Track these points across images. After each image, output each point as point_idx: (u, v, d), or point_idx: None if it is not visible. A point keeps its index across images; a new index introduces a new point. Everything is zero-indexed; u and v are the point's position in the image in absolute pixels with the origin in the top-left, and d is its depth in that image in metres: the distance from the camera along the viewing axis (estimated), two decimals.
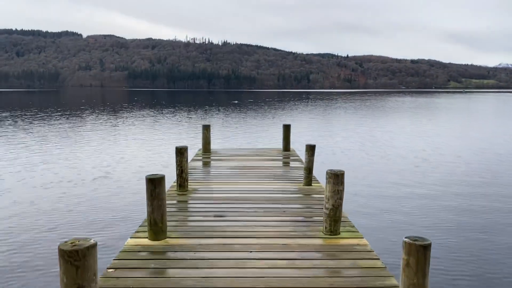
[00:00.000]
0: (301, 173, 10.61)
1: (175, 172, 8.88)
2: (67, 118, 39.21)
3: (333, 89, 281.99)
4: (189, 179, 9.59)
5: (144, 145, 22.46)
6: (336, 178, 6.22)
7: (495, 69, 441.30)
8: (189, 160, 12.30)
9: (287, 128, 14.66)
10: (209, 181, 9.89)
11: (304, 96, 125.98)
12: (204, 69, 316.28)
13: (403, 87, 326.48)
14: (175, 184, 9.08)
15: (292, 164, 12.29)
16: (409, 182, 14.42)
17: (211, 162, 12.40)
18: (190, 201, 8.14)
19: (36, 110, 50.18)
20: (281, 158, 13.32)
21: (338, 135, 27.72)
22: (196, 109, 55.18)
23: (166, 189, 7.98)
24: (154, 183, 5.90)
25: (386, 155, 20.19)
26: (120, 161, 17.78)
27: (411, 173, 16.00)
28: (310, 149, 9.49)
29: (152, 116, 42.77)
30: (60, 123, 34.03)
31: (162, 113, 47.25)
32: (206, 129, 13.89)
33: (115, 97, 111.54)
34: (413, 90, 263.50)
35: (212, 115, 44.39)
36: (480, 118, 46.83)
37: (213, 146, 15.90)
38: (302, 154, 14.70)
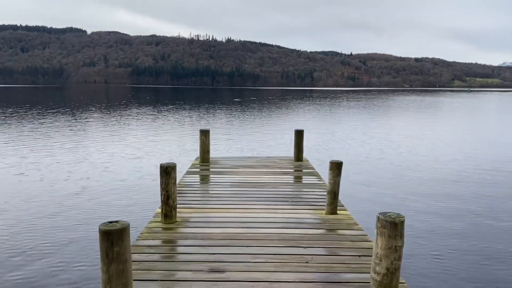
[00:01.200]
0: (319, 193, 8.73)
1: (160, 196, 6.86)
2: (67, 116, 39.49)
3: (336, 87, 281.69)
4: (179, 202, 7.66)
5: (126, 157, 18.19)
6: (394, 228, 4.09)
7: (499, 68, 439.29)
8: (183, 173, 10.68)
9: (299, 135, 12.48)
10: (205, 205, 7.79)
11: (308, 94, 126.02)
12: (208, 66, 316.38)
13: (407, 86, 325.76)
14: (160, 213, 6.98)
15: (307, 179, 10.31)
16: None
17: (210, 176, 10.39)
18: (177, 241, 6.07)
19: (53, 106, 50.54)
20: (293, 170, 11.27)
21: (354, 139, 24.67)
22: (195, 108, 52.57)
23: (147, 222, 6.98)
24: (112, 238, 3.79)
25: (416, 166, 16.93)
26: (103, 169, 15.88)
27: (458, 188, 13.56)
28: (336, 167, 7.30)
29: (147, 115, 39.65)
30: (55, 122, 34.30)
31: (157, 112, 43.74)
32: (205, 135, 11.86)
33: (119, 93, 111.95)
34: (417, 88, 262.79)
35: (212, 115, 40.99)
36: (496, 117, 46.88)
37: (213, 153, 13.87)
38: (316, 164, 13.47)
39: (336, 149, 21.06)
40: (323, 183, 9.58)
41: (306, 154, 13.95)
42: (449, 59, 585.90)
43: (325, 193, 7.93)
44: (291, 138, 22.76)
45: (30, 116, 37.27)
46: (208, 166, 11.53)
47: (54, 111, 44.22)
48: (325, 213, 7.27)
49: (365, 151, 20.51)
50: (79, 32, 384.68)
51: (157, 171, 8.95)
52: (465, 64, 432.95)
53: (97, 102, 65.53)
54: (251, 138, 24.21)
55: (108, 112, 43.78)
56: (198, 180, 9.98)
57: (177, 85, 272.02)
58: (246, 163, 12.12)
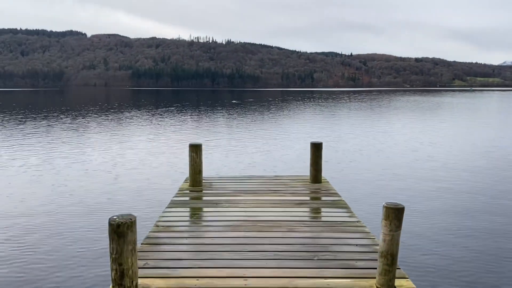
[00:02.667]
0: (358, 241, 5.95)
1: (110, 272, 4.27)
2: (57, 122, 39.21)
3: (337, 87, 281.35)
4: (153, 258, 5.31)
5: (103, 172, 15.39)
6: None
7: (500, 67, 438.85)
8: (166, 204, 8.08)
9: (317, 149, 9.77)
10: (192, 264, 5.13)
11: (308, 95, 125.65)
12: (208, 68, 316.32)
13: (408, 86, 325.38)
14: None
15: (334, 214, 7.32)
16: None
17: (203, 208, 7.78)
18: None
19: (53, 110, 50.28)
20: (311, 198, 8.51)
21: (375, 146, 21.99)
22: (189, 112, 49.35)
23: None
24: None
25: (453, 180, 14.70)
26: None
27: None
28: (395, 215, 4.43)
29: (136, 122, 35.31)
30: (46, 129, 33.99)
31: (148, 118, 39.69)
32: (195, 150, 9.16)
33: (114, 96, 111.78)
34: (418, 89, 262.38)
35: (207, 121, 37.04)
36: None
37: (206, 170, 11.31)
38: (339, 187, 10.44)
39: (358, 162, 17.86)
40: (357, 222, 6.75)
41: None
42: (450, 58, 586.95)
43: (368, 245, 5.80)
44: (300, 149, 20.68)
45: (31, 119, 37.02)
46: (200, 191, 8.89)
47: (51, 116, 43.93)
48: (378, 284, 4.56)
49: (398, 165, 17.29)
50: (79, 35, 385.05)
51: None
52: (465, 63, 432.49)
53: (88, 106, 65.24)
54: (252, 150, 20.62)
55: (89, 121, 43.16)
56: (186, 216, 7.29)
57: (178, 87, 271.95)
58: (249, 186, 9.40)
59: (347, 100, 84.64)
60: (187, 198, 8.43)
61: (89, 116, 42.14)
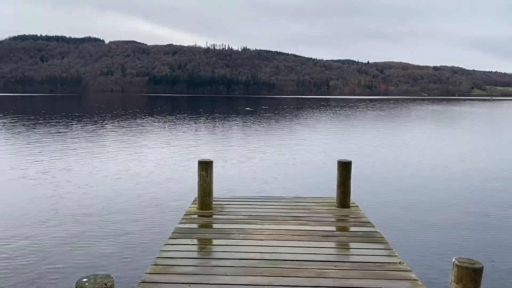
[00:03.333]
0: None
1: None
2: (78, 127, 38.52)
3: (353, 95, 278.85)
4: None
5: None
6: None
7: None
8: (170, 231, 6.99)
9: (345, 169, 8.42)
10: None
11: (323, 102, 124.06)
12: (224, 75, 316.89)
13: (425, 94, 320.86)
14: None
15: (367, 250, 6.08)
16: None
17: (212, 240, 6.58)
18: None
19: (71, 116, 49.84)
20: (340, 228, 7.32)
21: (397, 161, 20.21)
22: (202, 119, 48.06)
23: None
24: None
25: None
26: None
27: None
28: (471, 276, 3.59)
29: (145, 131, 33.60)
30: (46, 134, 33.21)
31: (160, 125, 38.69)
32: (205, 168, 7.95)
33: (130, 103, 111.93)
34: (436, 97, 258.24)
35: (218, 130, 35.51)
36: None
37: (217, 190, 9.62)
38: (371, 214, 8.75)
39: (388, 181, 15.71)
40: (399, 265, 5.48)
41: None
42: (468, 67, 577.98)
43: None
44: (320, 163, 19.16)
45: (41, 125, 36.36)
46: (210, 216, 7.71)
47: (61, 123, 43.38)
48: None
49: (433, 185, 15.11)
50: (97, 41, 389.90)
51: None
52: (484, 72, 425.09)
53: (102, 113, 64.83)
54: (268, 164, 19.03)
55: (100, 129, 42.44)
56: (191, 253, 6.00)
57: (193, 93, 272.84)
58: (266, 209, 8.11)
59: (365, 109, 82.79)
60: (195, 226, 7.22)
61: (101, 123, 41.39)
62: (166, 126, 38.66)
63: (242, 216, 7.66)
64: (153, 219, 10.88)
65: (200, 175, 7.92)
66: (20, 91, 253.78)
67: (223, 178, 15.28)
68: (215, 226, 7.24)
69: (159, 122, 43.65)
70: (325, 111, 71.78)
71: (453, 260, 3.60)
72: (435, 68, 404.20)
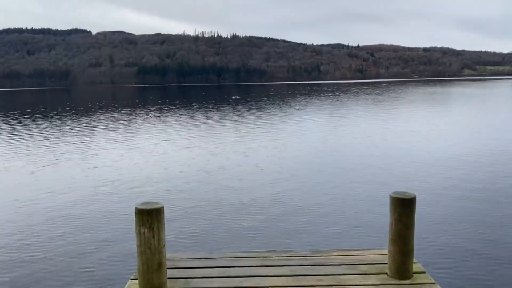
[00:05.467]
0: None
1: None
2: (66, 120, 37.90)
3: (344, 79, 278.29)
4: None
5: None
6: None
7: (510, 55, 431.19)
8: None
9: (404, 206, 4.55)
10: None
11: (315, 88, 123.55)
12: (214, 63, 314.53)
13: (416, 76, 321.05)
14: None
15: None
16: None
17: None
18: None
19: (61, 110, 49.04)
20: None
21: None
22: (186, 110, 45.41)
23: None
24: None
25: None
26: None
27: None
28: None
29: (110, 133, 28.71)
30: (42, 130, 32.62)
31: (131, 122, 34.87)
32: (149, 221, 4.28)
33: (117, 96, 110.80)
34: (427, 79, 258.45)
35: (190, 127, 30.23)
36: None
37: (173, 239, 7.43)
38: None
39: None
40: None
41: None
42: (458, 47, 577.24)
43: None
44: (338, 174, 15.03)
45: (33, 120, 35.74)
46: None
47: (46, 119, 42.67)
48: None
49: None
50: (84, 33, 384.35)
51: None
52: (474, 52, 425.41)
53: (81, 107, 64.06)
54: (252, 169, 15.59)
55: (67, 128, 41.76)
56: None
57: (184, 83, 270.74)
58: (267, 283, 4.57)
59: (361, 94, 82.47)
60: None
61: (85, 119, 40.71)
62: (141, 123, 36.28)
63: None
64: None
65: (140, 234, 4.29)
66: (7, 86, 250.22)
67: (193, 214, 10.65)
68: None
69: (145, 115, 43.10)
70: (317, 97, 71.39)
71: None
72: (425, 49, 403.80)
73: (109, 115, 42.64)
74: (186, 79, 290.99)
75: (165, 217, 4.36)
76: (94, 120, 37.41)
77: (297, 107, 50.42)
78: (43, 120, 38.46)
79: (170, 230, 9.01)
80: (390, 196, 4.54)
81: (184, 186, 13.66)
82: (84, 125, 33.54)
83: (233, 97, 76.31)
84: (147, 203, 4.35)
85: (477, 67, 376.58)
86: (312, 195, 12.21)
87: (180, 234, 9.25)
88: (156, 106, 54.97)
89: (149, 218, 4.18)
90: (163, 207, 4.32)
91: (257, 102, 58.65)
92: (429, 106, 50.43)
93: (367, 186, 13.16)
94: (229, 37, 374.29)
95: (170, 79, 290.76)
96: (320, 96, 76.39)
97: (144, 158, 18.59)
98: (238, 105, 54.62)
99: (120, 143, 23.41)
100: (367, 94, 78.59)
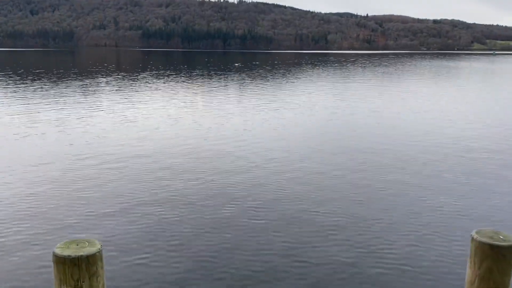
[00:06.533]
0: None
1: None
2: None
3: (351, 50, 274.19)
4: None
5: None
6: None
7: None
8: None
9: (504, 261, 2.87)
10: None
11: (322, 58, 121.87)
12: (219, 29, 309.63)
13: (424, 49, 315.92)
14: None
15: None
16: None
17: None
18: None
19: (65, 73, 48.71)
20: None
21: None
22: (181, 76, 45.09)
23: None
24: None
25: None
26: None
27: None
28: None
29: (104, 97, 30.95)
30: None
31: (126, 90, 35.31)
32: (80, 274, 2.61)
33: (118, 61, 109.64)
34: (435, 52, 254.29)
35: (193, 87, 30.49)
36: None
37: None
38: None
39: None
40: None
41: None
42: (469, 20, 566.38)
43: None
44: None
45: (34, 82, 35.56)
46: None
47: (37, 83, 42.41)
48: None
49: None
50: None
51: None
52: (485, 26, 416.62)
53: (82, 71, 63.59)
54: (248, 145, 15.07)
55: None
56: None
57: (188, 48, 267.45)
58: None
59: (368, 65, 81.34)
60: None
61: (89, 83, 40.45)
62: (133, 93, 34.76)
63: None
64: None
65: None
66: (10, 46, 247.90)
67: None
68: None
69: (141, 82, 42.76)
70: (325, 66, 70.45)
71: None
72: (435, 21, 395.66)
73: (106, 80, 42.37)
74: (191, 44, 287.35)
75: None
76: (91, 86, 37.19)
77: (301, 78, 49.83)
78: (31, 82, 38.21)
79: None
80: (473, 238, 2.87)
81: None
82: (80, 89, 33.37)
83: (235, 64, 75.27)
84: (75, 242, 2.71)
85: (487, 41, 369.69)
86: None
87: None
88: (154, 72, 54.42)
89: (76, 270, 2.59)
90: (100, 249, 2.67)
91: (260, 71, 57.98)
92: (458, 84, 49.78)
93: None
94: (235, 2, 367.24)
95: (175, 44, 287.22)
96: (328, 67, 75.40)
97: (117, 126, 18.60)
98: (239, 73, 54.00)
99: (107, 112, 22.90)
100: (383, 66, 77.45)
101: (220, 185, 10.76)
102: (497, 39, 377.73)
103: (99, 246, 2.63)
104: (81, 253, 2.56)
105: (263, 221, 8.59)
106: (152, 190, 10.28)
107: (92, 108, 23.25)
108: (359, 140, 16.17)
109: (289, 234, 7.99)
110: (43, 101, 25.45)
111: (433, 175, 11.81)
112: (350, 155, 13.87)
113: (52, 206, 9.21)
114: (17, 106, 23.54)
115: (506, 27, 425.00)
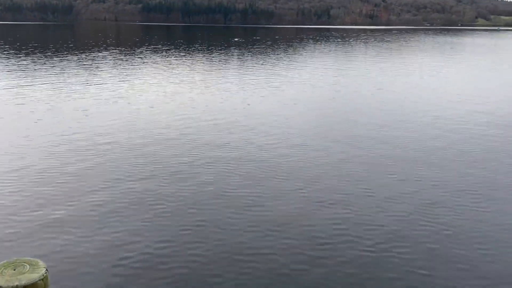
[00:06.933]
0: None
1: None
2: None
3: (354, 25, 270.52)
4: None
5: None
6: None
7: None
8: None
9: None
10: None
11: (325, 33, 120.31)
12: (220, 3, 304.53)
13: (427, 24, 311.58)
14: None
15: None
16: None
17: None
18: None
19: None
20: None
21: None
22: (180, 53, 44.84)
23: None
24: None
25: None
26: None
27: None
28: None
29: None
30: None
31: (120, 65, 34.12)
32: None
33: (115, 35, 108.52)
34: (439, 27, 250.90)
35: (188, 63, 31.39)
36: None
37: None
38: None
39: None
40: None
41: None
42: None
43: None
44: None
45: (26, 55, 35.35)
46: None
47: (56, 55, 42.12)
48: None
49: None
50: None
51: None
52: (490, 1, 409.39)
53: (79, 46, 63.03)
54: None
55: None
56: None
57: (189, 22, 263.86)
58: None
59: (371, 40, 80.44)
60: None
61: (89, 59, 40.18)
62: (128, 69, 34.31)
63: None
64: None
65: None
66: (9, 19, 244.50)
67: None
68: None
69: (137, 57, 42.44)
70: (326, 44, 69.69)
71: None
72: None
73: (103, 55, 42.08)
74: (192, 18, 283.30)
75: None
76: (86, 60, 36.97)
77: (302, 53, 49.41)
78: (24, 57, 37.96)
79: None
80: None
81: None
82: (77, 64, 33.18)
83: (235, 39, 74.15)
84: (13, 265, 2.12)
85: (492, 16, 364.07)
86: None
87: None
88: (152, 47, 53.94)
89: None
90: (45, 274, 2.09)
91: (259, 47, 57.44)
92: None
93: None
94: None
95: (175, 18, 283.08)
96: (330, 42, 74.66)
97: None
98: (236, 48, 53.47)
99: (99, 88, 22.48)
100: (386, 41, 76.67)
101: (216, 162, 10.55)
102: (501, 15, 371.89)
103: (43, 271, 2.01)
104: (16, 283, 1.92)
105: (257, 198, 8.56)
106: (140, 166, 10.20)
107: (86, 83, 22.95)
108: (362, 115, 16.22)
109: (281, 209, 7.97)
110: (36, 75, 25.23)
111: (445, 154, 11.75)
112: (353, 132, 13.85)
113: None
114: (6, 80, 23.14)
115: (511, 2, 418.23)
